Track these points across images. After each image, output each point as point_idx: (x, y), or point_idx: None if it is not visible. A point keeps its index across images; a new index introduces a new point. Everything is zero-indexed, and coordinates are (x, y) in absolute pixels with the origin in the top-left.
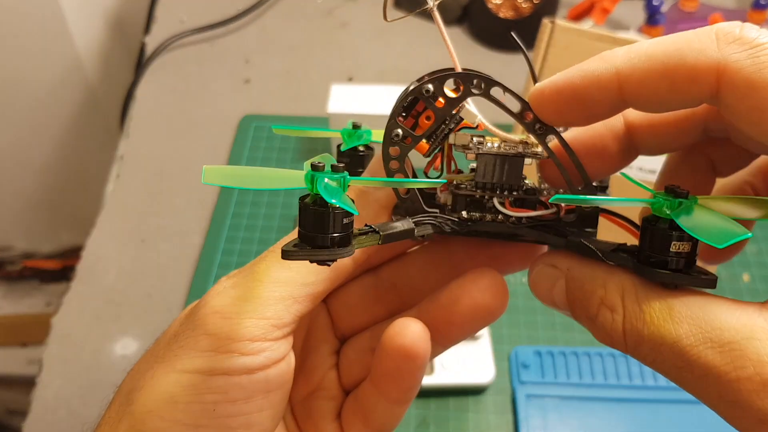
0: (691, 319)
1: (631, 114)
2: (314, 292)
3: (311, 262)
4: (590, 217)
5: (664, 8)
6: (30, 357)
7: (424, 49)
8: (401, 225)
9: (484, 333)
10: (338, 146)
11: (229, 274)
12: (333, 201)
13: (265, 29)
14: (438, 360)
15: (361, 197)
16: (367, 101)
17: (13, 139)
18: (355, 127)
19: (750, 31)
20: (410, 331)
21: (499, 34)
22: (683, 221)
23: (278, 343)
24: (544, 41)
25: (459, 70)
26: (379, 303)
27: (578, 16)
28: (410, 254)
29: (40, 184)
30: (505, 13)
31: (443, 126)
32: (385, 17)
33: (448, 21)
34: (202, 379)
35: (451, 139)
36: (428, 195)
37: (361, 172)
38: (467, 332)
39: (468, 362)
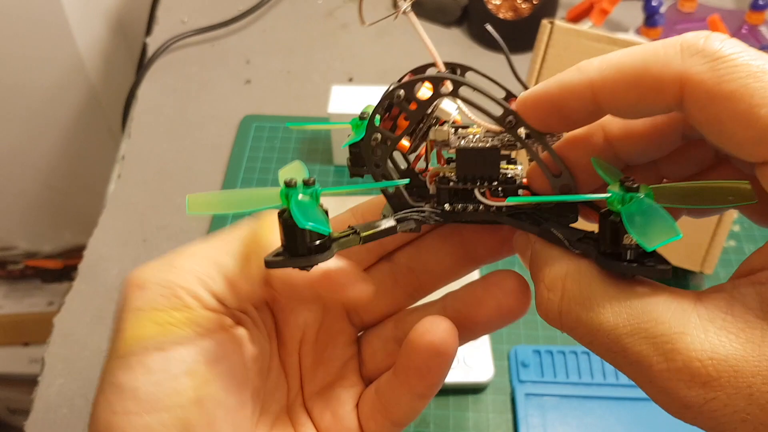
0: (629, 309)
1: (609, 125)
2: (228, 276)
3: (293, 267)
4: (569, 204)
5: (663, 9)
6: (32, 356)
7: (424, 50)
8: (384, 223)
9: None
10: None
11: None
12: (307, 224)
13: (265, 30)
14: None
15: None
16: (368, 102)
17: (15, 140)
18: (363, 117)
19: (713, 42)
20: (441, 329)
21: (498, 35)
22: (628, 217)
23: (206, 312)
24: (543, 42)
25: (441, 67)
26: (397, 288)
27: (577, 17)
28: (424, 237)
29: (42, 184)
30: (504, 14)
31: (421, 125)
32: (361, 21)
33: (448, 22)
34: (138, 359)
35: (431, 135)
36: (421, 187)
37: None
38: (489, 330)
39: (467, 361)
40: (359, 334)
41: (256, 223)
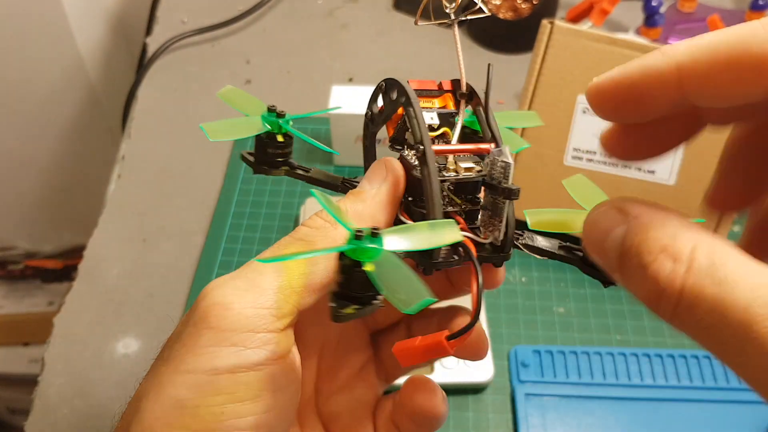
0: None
1: (688, 63)
2: (312, 283)
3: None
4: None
5: (663, 9)
6: (32, 356)
7: (424, 50)
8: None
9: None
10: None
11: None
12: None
13: (265, 30)
14: (438, 366)
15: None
16: (368, 102)
17: (15, 140)
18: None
19: None
20: (432, 399)
21: (498, 35)
22: (376, 271)
23: (281, 335)
24: (543, 42)
25: (463, 86)
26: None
27: (577, 17)
28: None
29: (42, 184)
30: (504, 14)
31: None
32: (416, 22)
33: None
34: (208, 379)
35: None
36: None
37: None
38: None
39: (467, 361)
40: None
41: (301, 242)
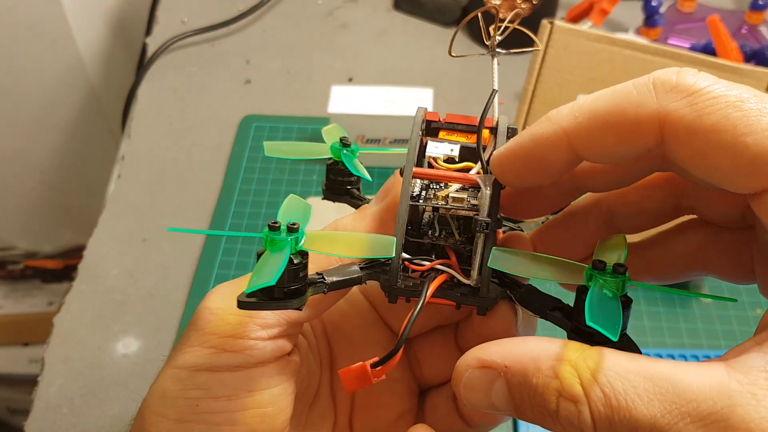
0: (660, 394)
1: (572, 128)
2: None
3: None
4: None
5: (663, 9)
6: (32, 356)
7: (424, 50)
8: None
9: None
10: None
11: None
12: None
13: (265, 30)
14: None
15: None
16: (368, 102)
17: (15, 140)
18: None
19: (686, 77)
20: None
21: (515, 36)
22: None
23: (264, 344)
24: (543, 42)
25: (496, 113)
26: (458, 351)
27: (577, 17)
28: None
29: (42, 184)
30: (504, 14)
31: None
32: (450, 52)
33: (447, 22)
34: (188, 374)
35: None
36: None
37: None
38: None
39: None
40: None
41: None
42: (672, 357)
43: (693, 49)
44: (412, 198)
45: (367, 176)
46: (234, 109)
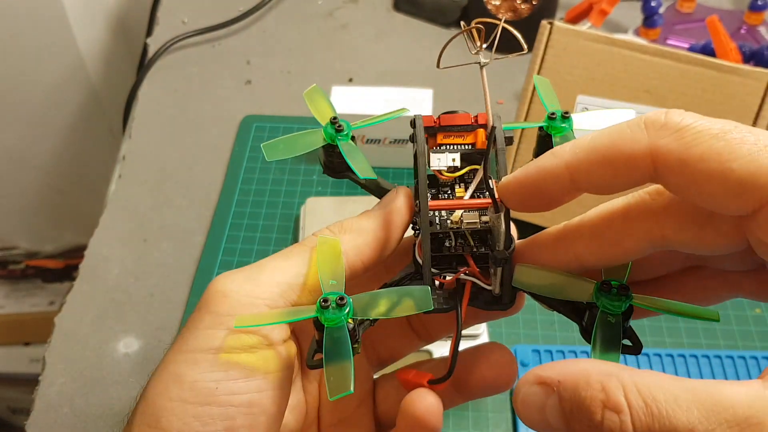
0: (698, 403)
1: (573, 162)
2: (309, 284)
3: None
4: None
5: (662, 10)
6: (33, 355)
7: (424, 51)
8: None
9: (483, 332)
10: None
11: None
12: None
13: (266, 31)
14: (437, 358)
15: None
16: (368, 102)
17: (16, 140)
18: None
19: (673, 116)
20: (425, 403)
21: (509, 38)
22: (325, 345)
23: (273, 326)
24: (542, 42)
25: (489, 125)
26: (410, 329)
27: (576, 17)
28: None
29: (43, 184)
30: (503, 15)
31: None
32: (438, 65)
33: (447, 22)
34: (204, 357)
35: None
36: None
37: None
38: (481, 396)
39: None
40: (375, 377)
41: (312, 247)
42: (671, 357)
43: (692, 49)
44: (431, 227)
45: (366, 173)
46: (234, 110)
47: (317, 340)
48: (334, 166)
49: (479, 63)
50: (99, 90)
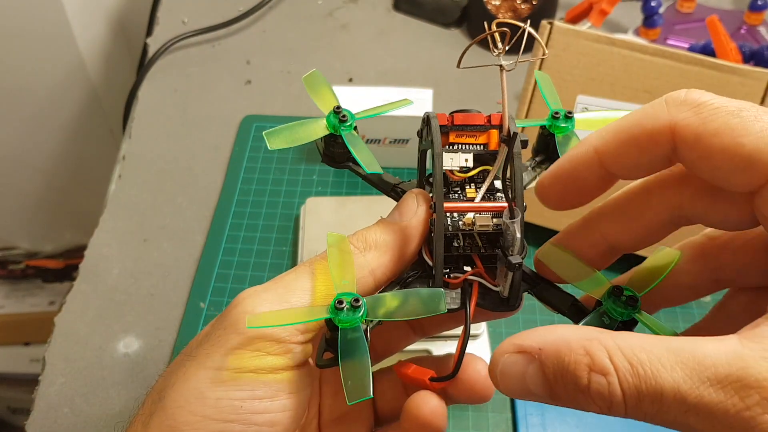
0: (683, 363)
1: (601, 146)
2: None
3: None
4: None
5: (662, 10)
6: (33, 355)
7: (424, 51)
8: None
9: (483, 332)
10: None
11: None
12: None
13: (266, 31)
14: (435, 353)
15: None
16: (368, 102)
17: (16, 140)
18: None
19: (693, 93)
20: (430, 405)
21: (521, 40)
22: (341, 348)
23: (301, 347)
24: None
25: (505, 129)
26: (405, 323)
27: (576, 17)
28: None
29: (43, 184)
30: (503, 15)
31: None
32: (458, 65)
33: (447, 22)
34: (231, 376)
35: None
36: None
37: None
38: (459, 402)
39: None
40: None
41: (317, 267)
42: None
43: (692, 49)
44: (445, 229)
45: (372, 167)
46: (234, 110)
47: (327, 339)
48: (335, 156)
49: (500, 65)
50: (99, 90)
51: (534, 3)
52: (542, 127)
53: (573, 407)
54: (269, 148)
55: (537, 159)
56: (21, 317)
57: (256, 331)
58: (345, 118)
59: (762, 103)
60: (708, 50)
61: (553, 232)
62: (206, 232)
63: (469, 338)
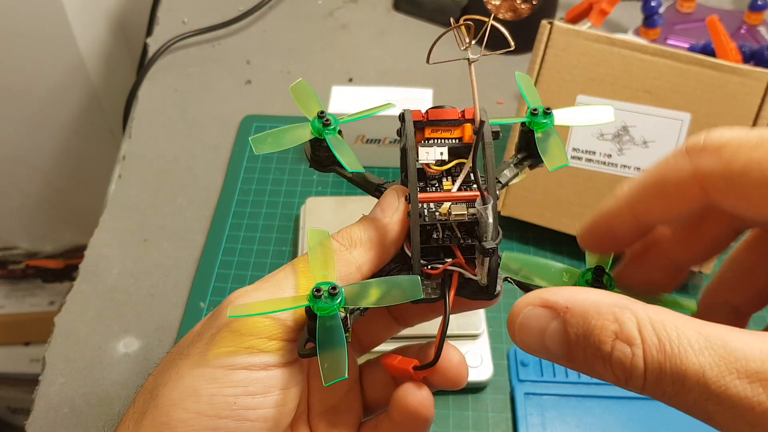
0: (712, 349)
1: (632, 201)
2: None
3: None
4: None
5: (662, 9)
6: (33, 355)
7: (424, 51)
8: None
9: (483, 331)
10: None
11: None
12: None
13: (266, 31)
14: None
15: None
16: (368, 102)
17: (16, 140)
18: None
19: (712, 137)
20: (418, 396)
21: (497, 36)
22: (318, 333)
23: (292, 344)
24: (542, 42)
25: (477, 122)
26: (389, 314)
27: (576, 17)
28: None
29: (44, 184)
30: (503, 15)
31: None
32: (428, 60)
33: (447, 23)
34: (224, 373)
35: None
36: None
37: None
38: (438, 388)
39: (467, 360)
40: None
41: (298, 265)
42: None
43: (692, 49)
44: (420, 219)
45: (354, 167)
46: (234, 110)
47: (309, 329)
48: (321, 160)
49: (468, 59)
50: (99, 90)
51: (534, 3)
52: (522, 124)
53: (586, 372)
54: (255, 152)
55: (519, 156)
56: (21, 317)
57: (248, 329)
58: (328, 122)
59: (762, 103)
60: (708, 50)
61: (554, 232)
62: (206, 232)
63: (471, 338)
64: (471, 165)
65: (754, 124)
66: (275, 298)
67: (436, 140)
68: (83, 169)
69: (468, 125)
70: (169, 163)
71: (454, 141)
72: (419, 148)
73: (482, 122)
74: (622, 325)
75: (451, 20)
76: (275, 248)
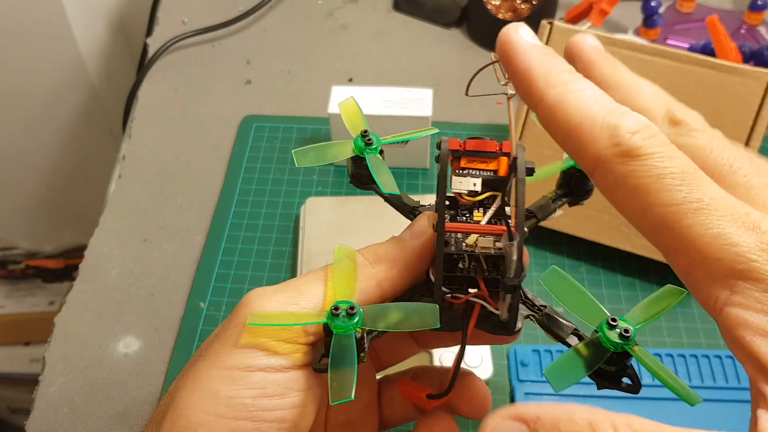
0: None
1: None
2: None
3: None
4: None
5: (662, 9)
6: (33, 355)
7: (424, 51)
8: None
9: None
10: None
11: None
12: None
13: (266, 31)
14: (437, 357)
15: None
16: (368, 102)
17: (16, 140)
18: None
19: (635, 140)
20: (444, 428)
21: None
22: (333, 351)
23: (309, 348)
24: (542, 42)
25: (514, 150)
26: (411, 339)
27: (576, 17)
28: None
29: (43, 184)
30: (503, 15)
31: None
32: (467, 93)
33: (447, 23)
34: (241, 374)
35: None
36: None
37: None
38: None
39: (467, 360)
40: (378, 378)
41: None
42: (671, 356)
43: (692, 49)
44: (446, 247)
45: (390, 188)
46: (234, 110)
47: (325, 344)
48: (360, 178)
49: (506, 94)
50: (99, 90)
51: (534, 3)
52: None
53: None
54: (297, 165)
55: (559, 192)
56: (21, 317)
57: (265, 331)
58: (371, 142)
59: (762, 103)
60: (708, 50)
61: (553, 232)
62: (206, 232)
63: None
64: (502, 200)
65: (754, 124)
66: (293, 303)
67: (471, 171)
68: (83, 169)
69: (504, 159)
70: (169, 163)
71: (489, 173)
72: (453, 176)
73: (515, 158)
74: (596, 425)
75: (492, 55)
76: (275, 248)
